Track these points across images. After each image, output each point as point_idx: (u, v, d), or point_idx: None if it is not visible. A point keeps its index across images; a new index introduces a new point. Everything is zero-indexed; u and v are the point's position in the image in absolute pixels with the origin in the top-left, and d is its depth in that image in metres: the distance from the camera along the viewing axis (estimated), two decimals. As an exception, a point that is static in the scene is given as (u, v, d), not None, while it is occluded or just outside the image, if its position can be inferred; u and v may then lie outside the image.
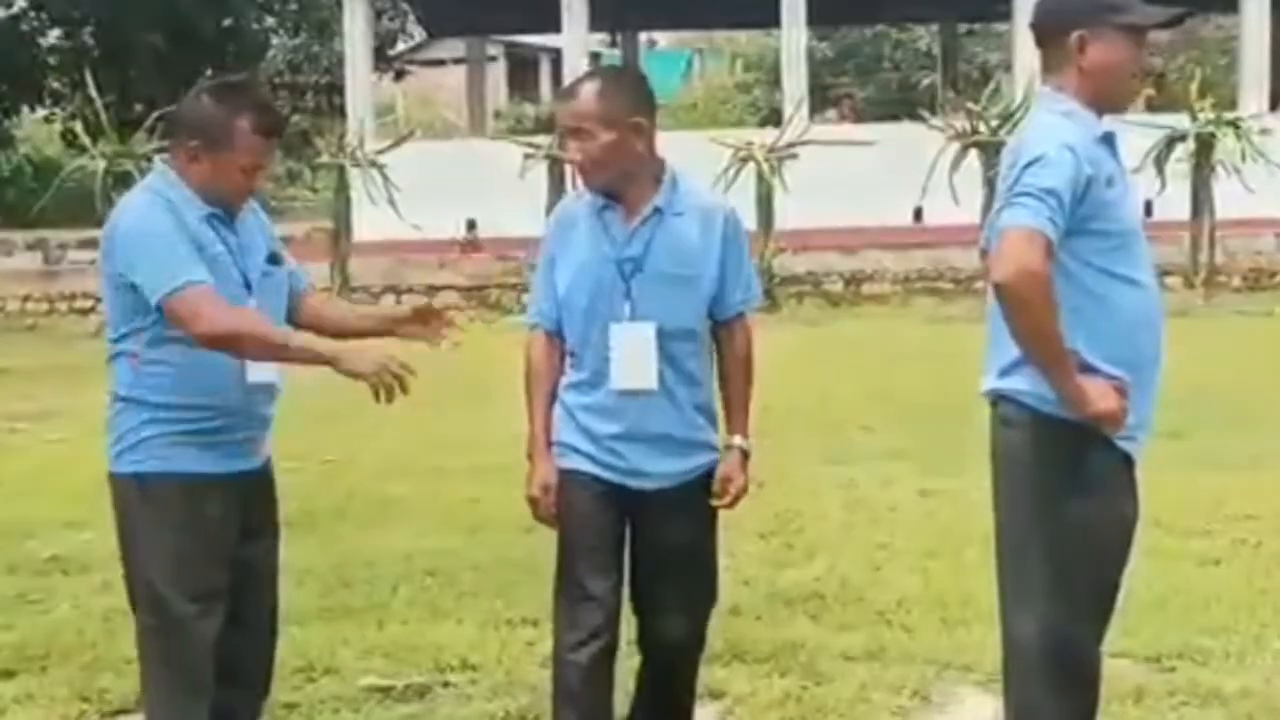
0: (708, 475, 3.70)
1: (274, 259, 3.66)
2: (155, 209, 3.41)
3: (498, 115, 32.30)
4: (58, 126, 25.40)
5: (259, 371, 3.52)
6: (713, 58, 42.93)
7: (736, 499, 3.73)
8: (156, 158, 3.65)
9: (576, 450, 3.66)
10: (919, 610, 5.15)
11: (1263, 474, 7.16)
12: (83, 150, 17.53)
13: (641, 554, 3.69)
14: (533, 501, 3.68)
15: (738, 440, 3.72)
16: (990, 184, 16.08)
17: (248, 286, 3.54)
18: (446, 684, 4.62)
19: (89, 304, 15.85)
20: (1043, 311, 3.03)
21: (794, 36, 19.21)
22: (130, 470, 3.48)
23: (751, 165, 15.97)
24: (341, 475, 7.88)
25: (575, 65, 18.97)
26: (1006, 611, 3.31)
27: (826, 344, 13.21)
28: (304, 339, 3.50)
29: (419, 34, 29.85)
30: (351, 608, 5.41)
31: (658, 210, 3.58)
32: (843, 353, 12.58)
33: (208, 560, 3.47)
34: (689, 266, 3.58)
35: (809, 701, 4.36)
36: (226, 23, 24.91)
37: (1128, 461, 3.24)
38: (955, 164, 15.73)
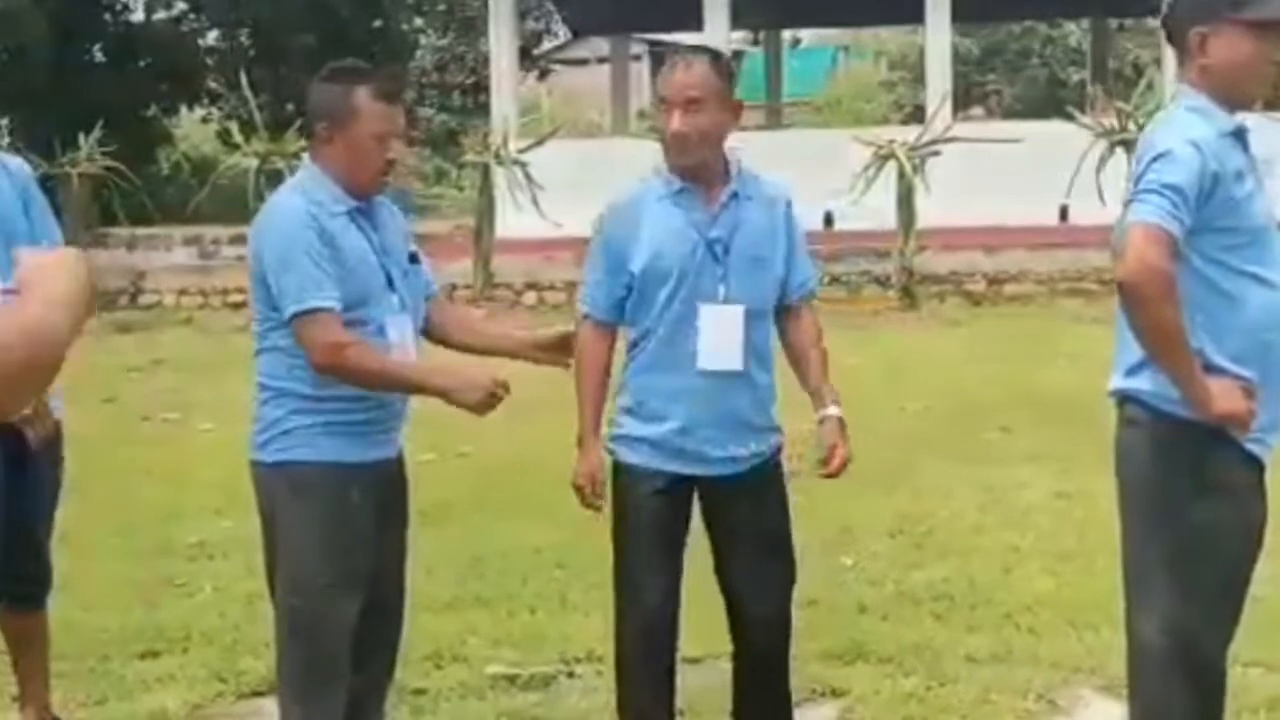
0: (776, 455, 3.77)
1: (413, 259, 3.75)
2: (298, 216, 3.50)
3: (641, 114, 32.46)
4: (214, 125, 26.14)
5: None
6: (857, 55, 42.69)
7: (843, 466, 3.74)
8: (304, 155, 3.74)
9: (642, 441, 3.72)
10: (1048, 613, 5.09)
11: None
12: (237, 148, 18.01)
13: (721, 541, 3.76)
14: (578, 490, 3.75)
15: (833, 410, 3.72)
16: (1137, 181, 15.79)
17: (390, 284, 3.63)
18: (571, 674, 4.69)
19: (241, 299, 16.25)
20: (1165, 309, 2.99)
21: (938, 32, 19.01)
22: (277, 459, 3.58)
23: (892, 163, 15.83)
24: (476, 468, 8.01)
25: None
26: (1131, 614, 3.27)
27: (967, 344, 13.05)
28: (414, 371, 3.57)
29: (564, 33, 30.11)
30: (482, 597, 5.51)
31: (735, 194, 3.66)
32: (983, 353, 12.42)
33: (350, 546, 3.57)
34: (765, 249, 3.67)
35: (932, 702, 4.35)
36: (377, 23, 25.37)
37: (1256, 464, 3.18)
38: (1102, 163, 15.42)
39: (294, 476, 3.55)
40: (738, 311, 3.63)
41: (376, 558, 3.68)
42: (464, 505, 7.09)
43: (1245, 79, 3.17)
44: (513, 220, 17.00)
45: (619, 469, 3.75)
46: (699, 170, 3.64)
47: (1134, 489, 3.22)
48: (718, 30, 19.05)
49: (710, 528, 3.76)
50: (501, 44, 19.93)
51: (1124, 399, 3.24)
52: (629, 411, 3.75)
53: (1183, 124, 3.12)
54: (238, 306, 16.54)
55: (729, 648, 3.86)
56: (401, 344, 3.61)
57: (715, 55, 3.75)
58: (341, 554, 3.56)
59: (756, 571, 3.74)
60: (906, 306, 15.61)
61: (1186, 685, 3.18)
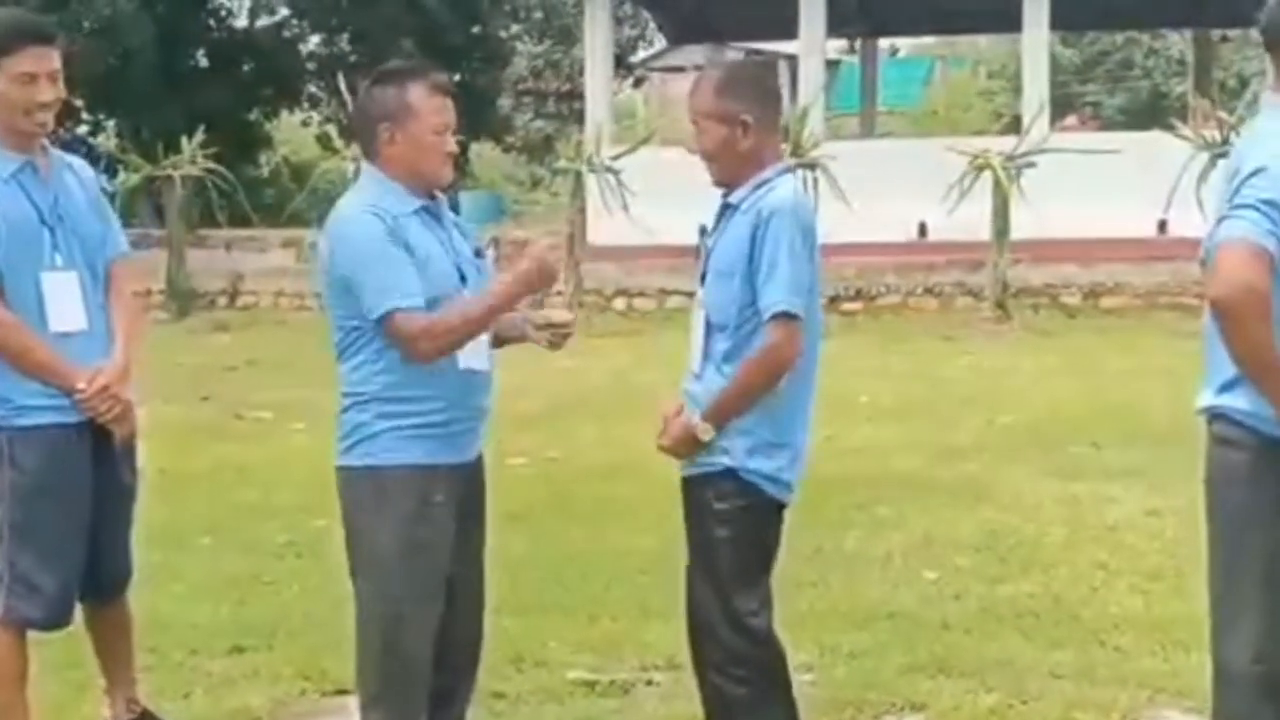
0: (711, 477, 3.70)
1: (477, 254, 3.81)
2: (370, 220, 3.55)
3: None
4: (314, 130, 26.50)
5: (470, 358, 3.66)
6: (955, 65, 42.31)
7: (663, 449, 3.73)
8: (363, 164, 3.80)
9: None
10: (1135, 632, 5.02)
11: None
12: (335, 153, 18.24)
13: None
14: None
15: (694, 417, 3.65)
16: (1240, 195, 15.50)
17: (463, 279, 3.68)
18: (650, 682, 4.70)
19: (336, 301, 16.49)
20: (1260, 328, 2.93)
21: (1035, 40, 18.80)
22: (361, 463, 3.62)
23: (988, 173, 15.68)
24: (563, 473, 8.05)
25: (812, 74, 18.93)
26: (1217, 639, 3.21)
27: (1060, 357, 12.90)
28: (478, 302, 3.61)
29: (659, 41, 30.18)
30: (564, 603, 5.53)
31: (728, 206, 3.68)
32: (1077, 367, 12.27)
33: (432, 549, 3.59)
34: (729, 263, 3.64)
35: (1013, 717, 4.31)
36: (475, 30, 25.59)
37: (1350, 488, 3.11)
38: (1203, 175, 15.16)
39: (378, 480, 3.59)
40: (699, 317, 3.69)
41: (457, 560, 3.71)
42: (550, 509, 7.12)
43: None
44: (604, 227, 17.06)
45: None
46: (728, 185, 3.67)
47: (1224, 509, 3.16)
48: (813, 39, 18.99)
49: None
50: (596, 51, 20.01)
51: (1215, 416, 3.18)
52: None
53: (1278, 138, 3.05)
54: (332, 309, 16.79)
55: None
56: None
57: (733, 65, 3.75)
58: (424, 557, 3.59)
59: None
60: (1000, 318, 15.45)
61: (1273, 711, 3.11)
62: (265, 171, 25.80)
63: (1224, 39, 28.88)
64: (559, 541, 6.51)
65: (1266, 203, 2.94)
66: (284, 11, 26.01)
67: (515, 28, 27.35)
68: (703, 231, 3.91)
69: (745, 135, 3.60)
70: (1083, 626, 5.11)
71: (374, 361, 3.61)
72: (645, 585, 5.77)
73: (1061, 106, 34.03)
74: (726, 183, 3.66)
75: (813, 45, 18.83)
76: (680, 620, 5.19)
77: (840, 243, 12.84)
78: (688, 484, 3.74)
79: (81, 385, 3.82)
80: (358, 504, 3.65)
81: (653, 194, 16.45)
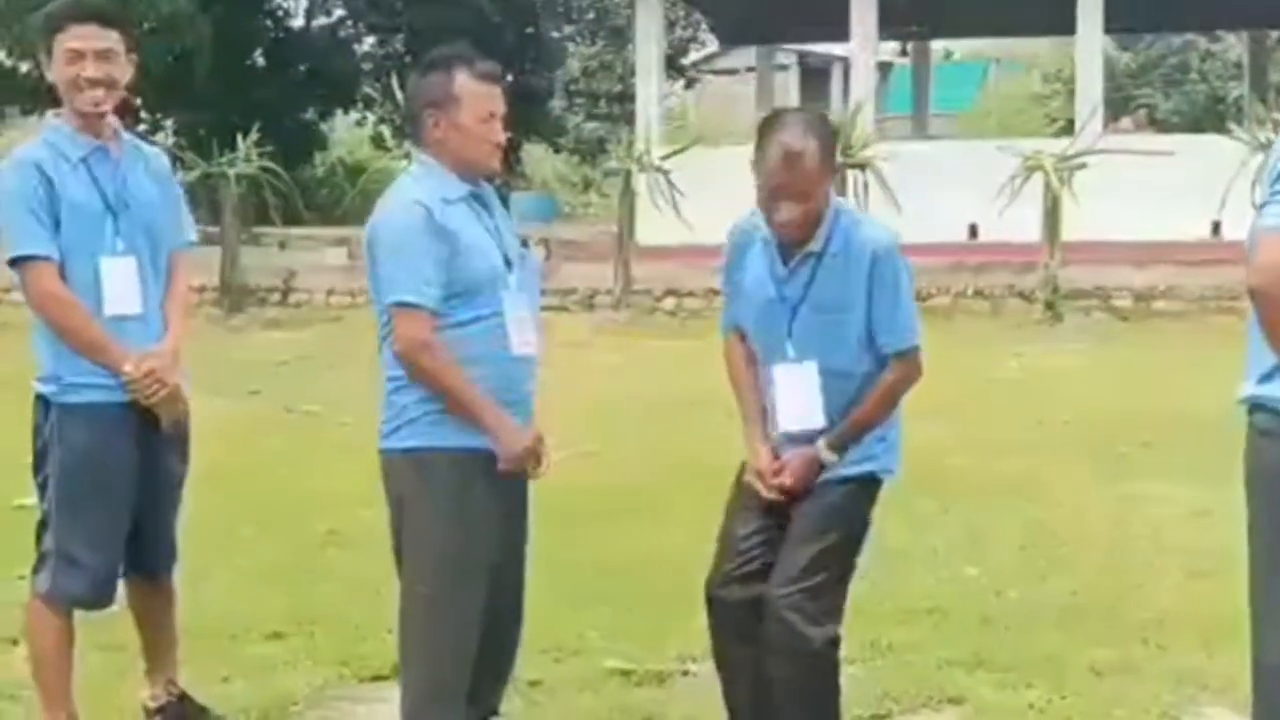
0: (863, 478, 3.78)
1: (524, 244, 3.84)
2: (412, 213, 3.59)
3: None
4: (369, 130, 26.68)
5: (524, 344, 3.68)
6: (1010, 68, 42.06)
7: (786, 490, 3.71)
8: (414, 151, 3.84)
9: None
10: (1178, 629, 4.97)
11: None
12: (388, 152, 18.35)
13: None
14: (747, 483, 3.77)
15: (821, 444, 3.69)
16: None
17: (508, 264, 3.70)
18: (686, 673, 4.69)
19: (386, 299, 16.60)
20: (1299, 316, 2.90)
21: (1089, 42, 18.65)
22: (404, 446, 3.65)
23: (1039, 175, 15.57)
24: (602, 467, 8.05)
25: (863, 75, 18.87)
26: (1257, 635, 3.17)
27: (1113, 359, 12.80)
28: (483, 399, 3.58)
29: (711, 42, 30.18)
30: (604, 594, 5.53)
31: (813, 254, 3.64)
32: (1129, 369, 12.16)
33: (476, 533, 3.62)
34: (840, 307, 3.63)
35: (1052, 713, 4.29)
36: (528, 30, 25.70)
37: (1392, 479, 3.06)
38: (1258, 178, 14.98)
39: (421, 463, 3.62)
40: (810, 370, 3.65)
41: (500, 548, 3.73)
42: (591, 503, 7.12)
43: None
44: (655, 227, 17.07)
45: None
46: (805, 241, 3.65)
47: (1265, 502, 3.12)
48: (865, 42, 18.93)
49: None
50: (648, 52, 20.03)
51: (1255, 407, 3.14)
52: None
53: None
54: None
55: None
56: (519, 320, 3.67)
57: (815, 127, 3.65)
58: (467, 541, 3.61)
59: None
60: (1051, 320, 15.34)
61: (1313, 706, 3.07)
62: (320, 171, 25.99)
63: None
64: (597, 535, 6.52)
65: (1305, 190, 2.91)
66: (340, 12, 26.22)
67: (568, 29, 27.44)
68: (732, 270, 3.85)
69: (832, 181, 3.66)
70: (1125, 624, 5.07)
71: None
72: (684, 579, 5.73)
73: (1117, 110, 33.71)
74: (806, 240, 3.63)
75: (864, 47, 18.77)
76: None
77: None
78: (827, 485, 3.72)
79: (128, 367, 3.87)
80: (400, 488, 3.69)
81: (702, 194, 16.45)
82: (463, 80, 3.65)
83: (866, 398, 3.69)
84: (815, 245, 3.62)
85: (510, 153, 25.49)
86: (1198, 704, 4.34)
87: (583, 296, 17.30)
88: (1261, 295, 2.93)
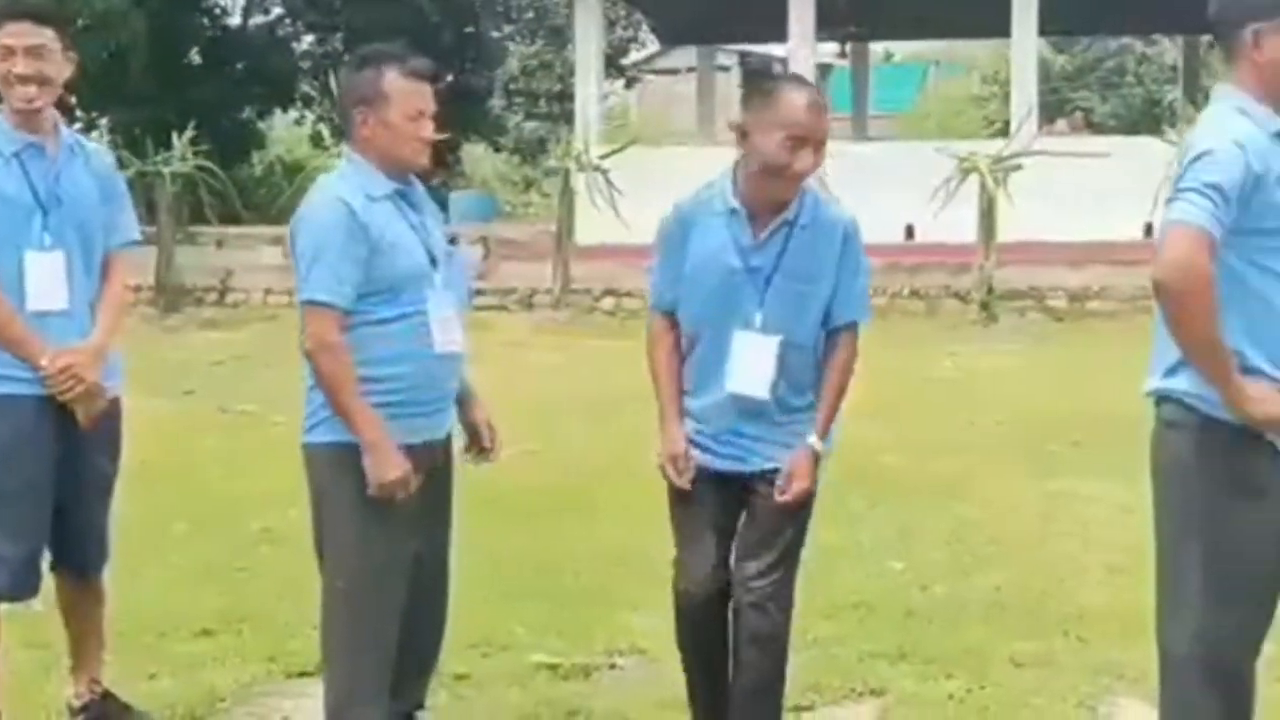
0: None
1: (452, 240, 3.86)
2: (333, 211, 3.61)
3: (732, 124, 32.42)
4: (307, 129, 26.53)
5: (447, 341, 3.71)
6: (950, 70, 42.41)
7: (799, 497, 3.74)
8: (344, 148, 3.86)
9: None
10: (1098, 622, 5.05)
11: None
12: (328, 151, 18.27)
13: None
14: (662, 469, 3.79)
15: (812, 439, 3.75)
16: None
17: (433, 262, 3.73)
18: (613, 666, 4.73)
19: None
20: (1202, 310, 2.97)
21: (1024, 44, 18.84)
22: (324, 439, 3.68)
23: (975, 176, 15.72)
24: (541, 465, 8.07)
25: (800, 74, 18.97)
26: (1162, 621, 3.25)
27: (1047, 359, 12.94)
28: (369, 413, 3.57)
29: (651, 42, 30.23)
30: (534, 590, 5.56)
31: (787, 223, 3.68)
32: (1062, 368, 12.30)
33: (394, 526, 3.63)
34: (811, 281, 3.68)
35: (971, 703, 4.35)
36: (468, 29, 25.63)
37: (1292, 468, 3.14)
38: (1186, 178, 15.21)
39: (340, 457, 3.63)
40: (773, 343, 3.69)
41: (423, 539, 3.75)
42: (529, 501, 7.15)
43: None
44: (594, 227, 17.10)
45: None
46: (778, 202, 3.67)
47: (1171, 492, 3.19)
48: (803, 42, 19.03)
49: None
50: (587, 51, 20.05)
51: (1161, 399, 3.22)
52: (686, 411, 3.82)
53: (1225, 123, 3.09)
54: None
55: None
56: (444, 318, 3.69)
57: (818, 90, 3.79)
58: (385, 534, 3.63)
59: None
60: (986, 321, 15.49)
61: (1215, 695, 3.14)
62: (258, 170, 25.80)
63: (1213, 45, 28.96)
64: (532, 532, 6.55)
65: (1210, 186, 2.98)
66: (278, 10, 26.04)
67: (507, 28, 27.40)
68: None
69: None
70: (1048, 617, 5.15)
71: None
72: (618, 576, 5.80)
73: (1054, 112, 34.00)
74: (790, 200, 3.67)
75: (802, 47, 18.87)
76: (651, 610, 5.27)
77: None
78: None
79: (44, 361, 3.87)
80: (321, 480, 3.71)
81: (641, 194, 16.49)
82: (392, 78, 3.68)
83: (830, 380, 3.75)
84: (789, 214, 3.67)
85: (450, 152, 25.47)
86: (1113, 694, 4.42)
87: (522, 296, 17.30)
88: (1164, 289, 2.99)
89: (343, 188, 3.67)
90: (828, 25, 19.94)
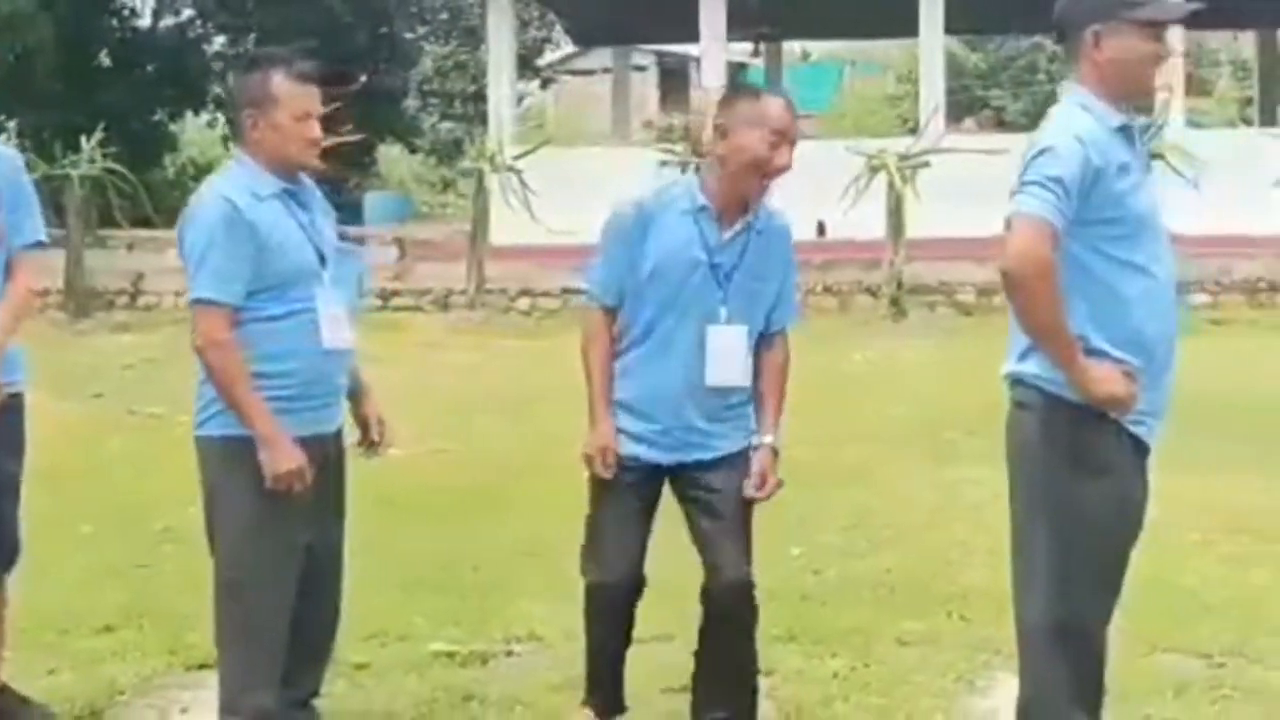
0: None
1: (343, 238, 3.96)
2: (220, 210, 3.69)
3: (648, 125, 32.62)
4: (220, 131, 26.36)
5: (335, 338, 3.79)
6: (866, 70, 42.82)
7: (773, 493, 3.96)
8: (234, 147, 3.94)
9: (624, 432, 3.92)
10: (982, 602, 5.21)
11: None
12: (240, 153, 18.15)
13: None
14: (588, 460, 3.90)
15: (769, 439, 3.94)
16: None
17: (322, 260, 3.81)
18: (510, 653, 4.84)
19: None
20: (1045, 296, 3.13)
21: (931, 43, 19.15)
22: (213, 433, 3.76)
23: (884, 173, 15.97)
24: (451, 463, 8.16)
25: (711, 74, 19.15)
26: (1017, 594, 3.41)
27: (954, 353, 13.16)
28: (262, 407, 3.66)
29: (566, 42, 30.32)
30: (435, 582, 5.65)
31: (749, 225, 3.86)
32: (968, 361, 12.47)
33: (285, 519, 3.71)
34: (764, 280, 3.89)
35: (854, 680, 4.50)
36: (382, 30, 25.60)
37: (1139, 446, 3.31)
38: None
39: (231, 450, 3.71)
40: (742, 332, 3.87)
41: (314, 530, 3.83)
42: (436, 498, 7.23)
43: (1136, 76, 3.31)
44: (511, 227, 17.17)
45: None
46: (748, 201, 3.84)
47: (1021, 470, 3.36)
48: (715, 42, 19.22)
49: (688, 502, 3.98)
50: (500, 52, 20.11)
51: (1014, 382, 3.38)
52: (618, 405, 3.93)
53: (1068, 119, 3.26)
54: (235, 308, 16.79)
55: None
56: (332, 315, 3.78)
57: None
58: (276, 526, 3.71)
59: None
60: (896, 316, 15.73)
61: (1067, 663, 3.30)
62: (170, 172, 25.62)
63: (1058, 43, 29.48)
64: (438, 527, 6.63)
65: (1052, 179, 3.14)
66: (188, 12, 25.88)
67: (421, 29, 27.39)
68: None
69: None
70: (934, 598, 5.32)
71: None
72: (520, 567, 5.90)
73: (966, 111, 34.45)
74: (761, 198, 3.85)
75: (713, 46, 19.05)
76: (551, 599, 5.38)
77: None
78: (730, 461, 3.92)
79: None
80: (213, 473, 3.79)
81: (558, 194, 16.59)
82: (279, 81, 3.77)
83: (774, 380, 3.97)
84: (750, 217, 3.86)
85: (365, 153, 25.41)
86: (991, 669, 4.58)
87: (437, 296, 17.33)
88: (1010, 278, 3.15)
89: (228, 187, 3.75)
90: (740, 25, 20.13)
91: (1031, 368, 3.30)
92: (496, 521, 6.73)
